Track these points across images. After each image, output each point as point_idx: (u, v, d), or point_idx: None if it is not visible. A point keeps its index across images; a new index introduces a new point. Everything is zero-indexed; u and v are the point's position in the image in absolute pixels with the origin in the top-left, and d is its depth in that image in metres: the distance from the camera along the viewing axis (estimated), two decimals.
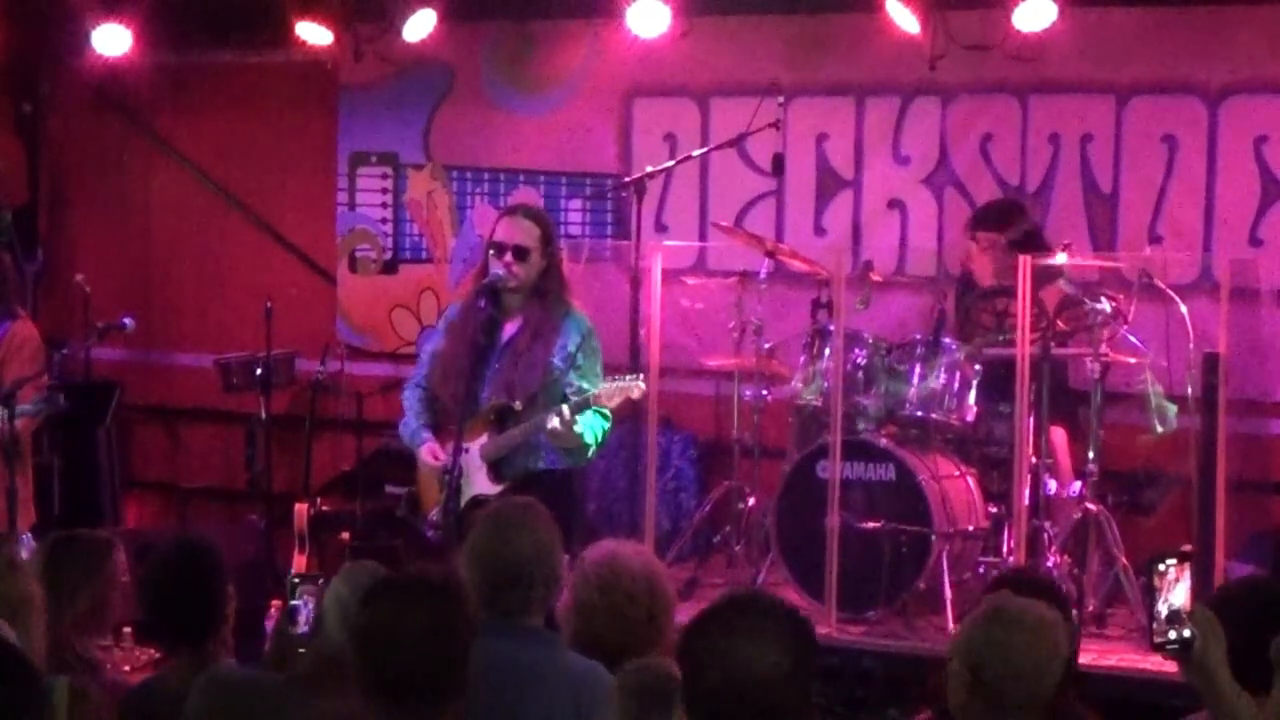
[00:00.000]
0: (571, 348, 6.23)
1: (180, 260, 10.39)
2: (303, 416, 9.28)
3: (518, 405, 6.16)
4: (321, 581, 4.35)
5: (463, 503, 6.19)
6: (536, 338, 6.22)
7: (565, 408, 5.97)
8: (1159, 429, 7.42)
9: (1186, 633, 3.13)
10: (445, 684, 3.57)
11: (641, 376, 6.14)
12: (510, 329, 6.29)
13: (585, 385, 6.14)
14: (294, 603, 4.35)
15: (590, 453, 6.22)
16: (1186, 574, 3.16)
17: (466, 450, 6.20)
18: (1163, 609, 3.14)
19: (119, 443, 9.80)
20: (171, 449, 10.34)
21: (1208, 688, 3.20)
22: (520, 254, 6.22)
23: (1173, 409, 7.40)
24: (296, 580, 4.41)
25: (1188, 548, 7.20)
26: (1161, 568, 3.16)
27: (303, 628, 4.31)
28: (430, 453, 6.28)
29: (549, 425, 5.99)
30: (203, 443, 10.23)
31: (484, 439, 6.23)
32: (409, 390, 6.53)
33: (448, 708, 3.58)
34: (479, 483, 6.23)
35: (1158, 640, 3.15)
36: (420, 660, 3.54)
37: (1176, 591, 3.14)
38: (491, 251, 6.29)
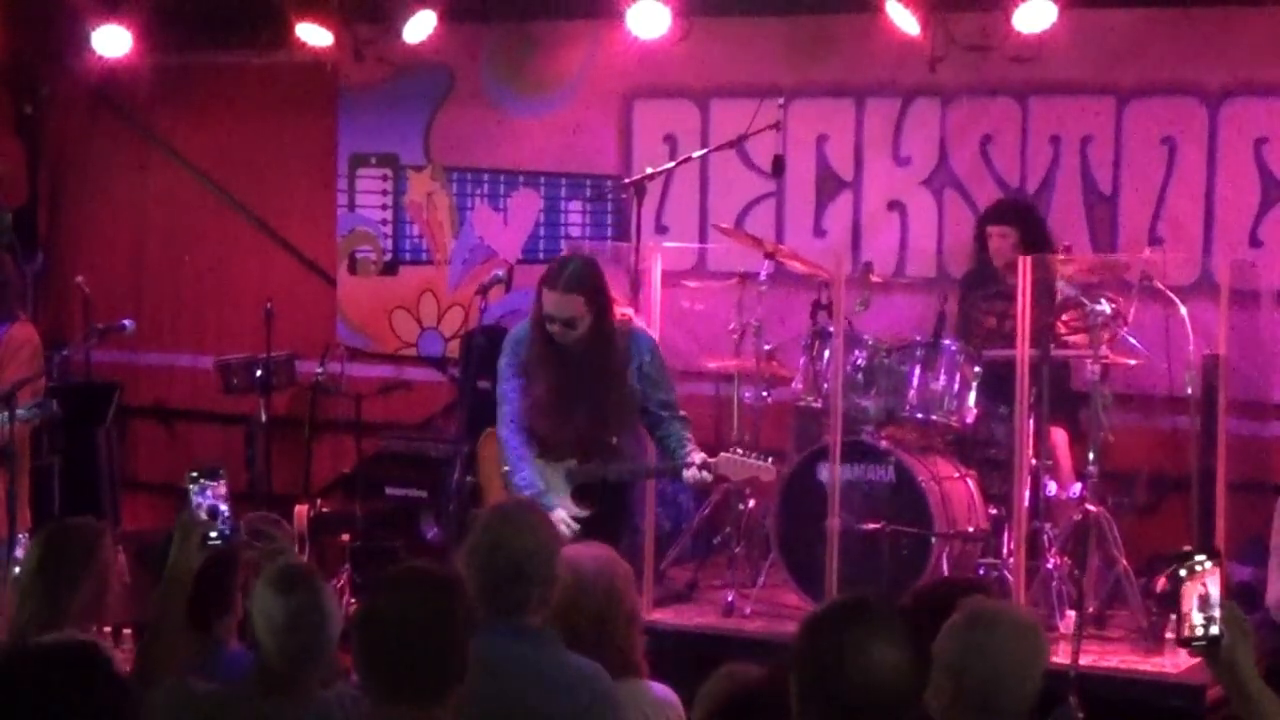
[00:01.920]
0: (645, 365, 6.47)
1: (180, 260, 10.39)
2: (303, 418, 9.28)
3: (614, 440, 6.41)
4: (223, 474, 4.22)
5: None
6: (618, 370, 6.44)
7: (696, 467, 6.28)
8: (1110, 437, 7.38)
9: (1214, 630, 3.12)
10: (445, 672, 3.60)
11: (771, 460, 6.39)
12: (591, 363, 6.45)
13: (662, 395, 6.45)
14: (193, 495, 4.18)
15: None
16: (1216, 572, 3.15)
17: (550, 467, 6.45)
18: (1191, 606, 3.13)
19: (119, 443, 9.79)
20: (171, 450, 10.34)
21: (1235, 686, 3.18)
22: (569, 324, 6.37)
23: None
24: (195, 474, 4.21)
25: (1188, 548, 7.26)
26: (1191, 565, 3.15)
27: (203, 517, 4.15)
28: (561, 521, 6.22)
29: (688, 476, 6.33)
30: (202, 444, 10.22)
31: (573, 462, 6.43)
32: (510, 434, 6.52)
33: (447, 695, 3.61)
34: (564, 504, 6.37)
35: (1185, 636, 3.14)
36: (420, 648, 3.57)
37: (1206, 588, 3.13)
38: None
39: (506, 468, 6.50)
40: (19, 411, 6.81)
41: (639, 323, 6.67)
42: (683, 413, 6.53)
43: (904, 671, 3.09)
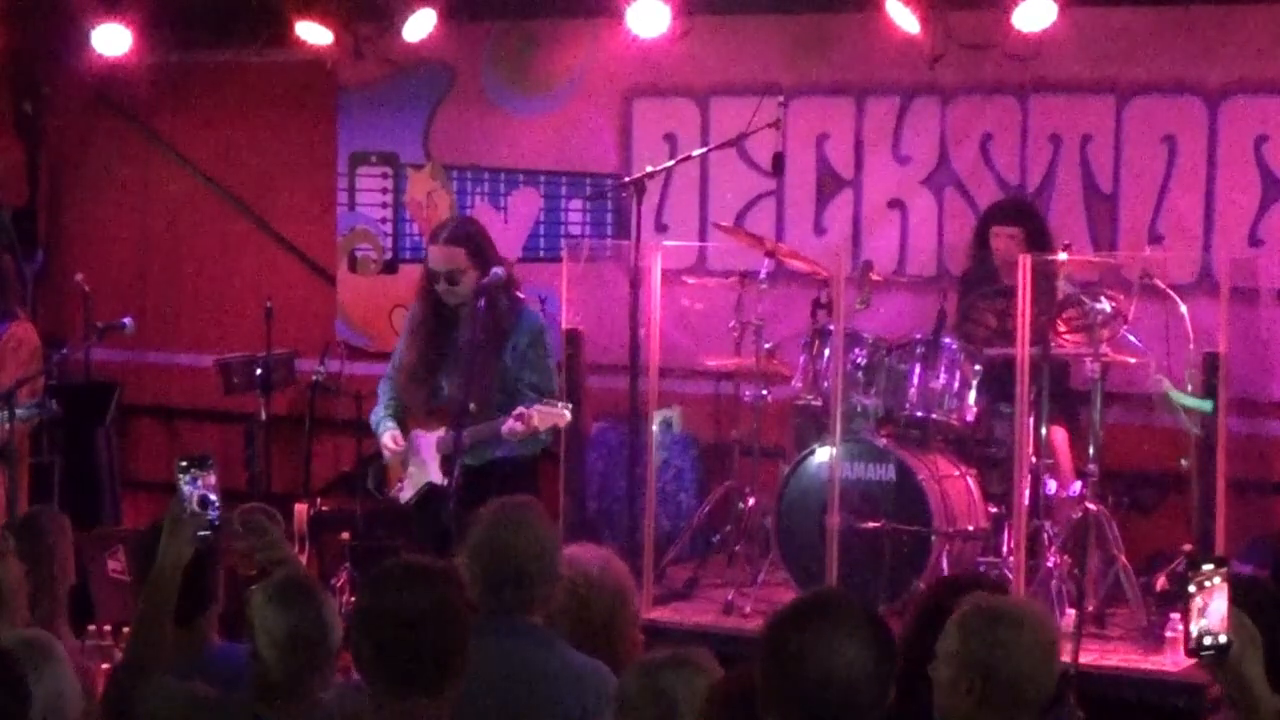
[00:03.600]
0: (522, 346, 6.60)
1: (180, 260, 10.39)
2: (303, 417, 9.28)
3: (473, 408, 6.47)
4: (213, 464, 4.15)
5: (416, 490, 6.71)
6: (487, 342, 6.55)
7: (512, 418, 6.36)
8: (1195, 430, 7.35)
9: (1223, 639, 3.10)
10: (446, 665, 3.62)
11: (569, 407, 6.47)
12: (466, 330, 6.63)
13: (535, 379, 6.57)
14: (183, 485, 4.10)
15: (541, 442, 6.69)
16: (1225, 580, 3.13)
17: (422, 439, 6.69)
18: (1200, 617, 3.11)
19: (119, 443, 9.80)
20: (171, 449, 10.32)
21: (1243, 695, 3.17)
22: (452, 278, 6.61)
23: (1205, 404, 7.32)
24: (185, 464, 4.13)
25: (1188, 547, 7.26)
26: (1200, 573, 3.13)
27: (192, 509, 4.07)
28: (392, 439, 6.73)
29: (504, 429, 6.40)
30: (202, 443, 10.19)
31: (441, 432, 6.57)
32: (383, 382, 6.96)
33: (447, 688, 3.63)
34: (432, 473, 6.65)
35: (1193, 645, 3.12)
36: (422, 641, 3.60)
37: (1215, 597, 3.12)
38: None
39: None
40: (18, 411, 6.82)
41: (535, 306, 6.91)
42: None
43: (868, 670, 3.08)
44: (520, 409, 6.37)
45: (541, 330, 6.69)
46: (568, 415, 6.42)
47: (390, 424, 6.78)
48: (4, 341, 7.16)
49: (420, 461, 6.70)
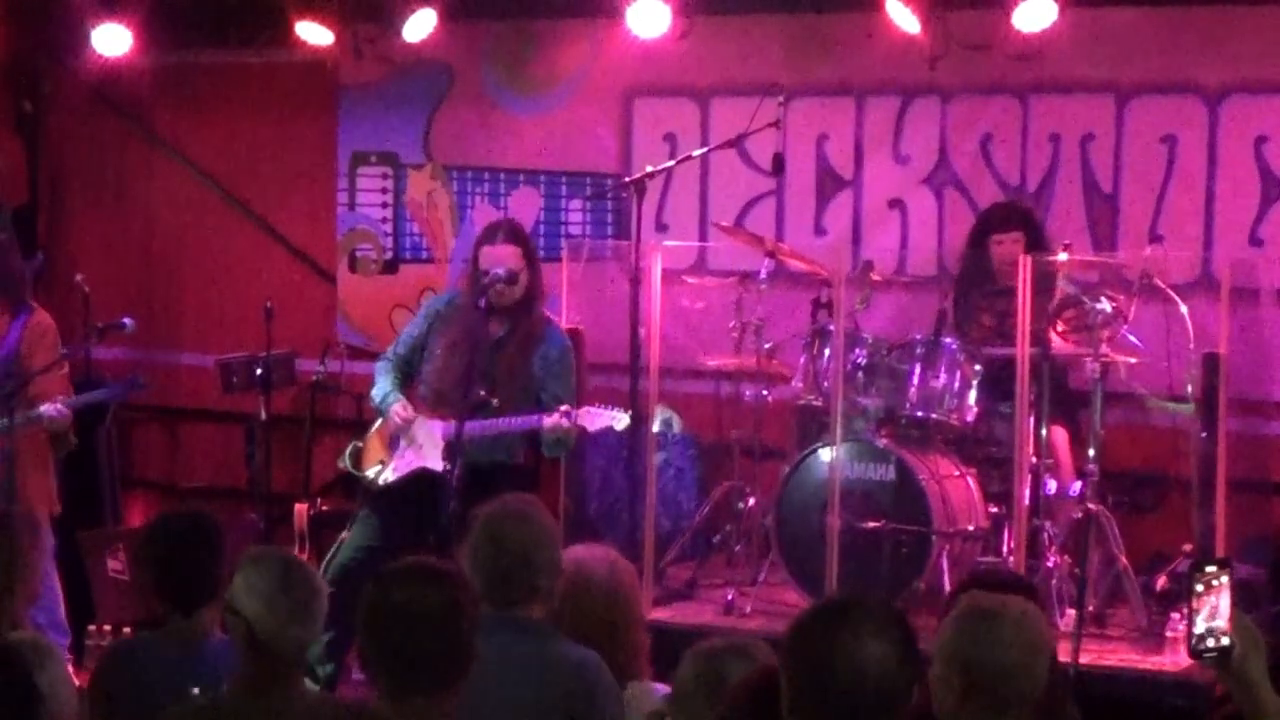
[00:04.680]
0: (552, 357, 6.85)
1: (180, 260, 10.39)
2: (303, 416, 9.29)
3: (495, 402, 6.65)
4: None
5: (402, 475, 6.86)
6: (523, 345, 6.81)
7: (563, 416, 6.56)
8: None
9: (1225, 641, 3.10)
10: (452, 664, 3.63)
11: (628, 413, 6.71)
12: (496, 329, 6.82)
13: (559, 391, 6.78)
14: None
15: (567, 446, 6.89)
16: (1228, 581, 3.12)
17: (428, 424, 6.82)
18: (1203, 618, 3.11)
19: (119, 442, 9.79)
20: (171, 449, 10.34)
21: (1246, 698, 3.17)
22: (511, 277, 6.82)
23: (1185, 407, 7.34)
24: None
25: (1188, 547, 7.27)
26: (1204, 574, 3.12)
27: None
28: (402, 407, 6.88)
29: (547, 423, 6.58)
30: (203, 443, 10.23)
31: (450, 421, 6.61)
32: (381, 362, 7.13)
33: (452, 687, 3.63)
34: (430, 458, 6.78)
35: (1196, 647, 3.12)
36: (428, 641, 3.61)
37: (1218, 599, 3.11)
38: (483, 280, 6.78)
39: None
40: (98, 392, 6.98)
41: (558, 323, 7.13)
42: None
43: (894, 670, 3.10)
44: (565, 407, 6.58)
45: (569, 346, 6.95)
46: (626, 420, 6.66)
47: (398, 395, 6.94)
48: (29, 330, 7.21)
49: (418, 446, 6.77)
